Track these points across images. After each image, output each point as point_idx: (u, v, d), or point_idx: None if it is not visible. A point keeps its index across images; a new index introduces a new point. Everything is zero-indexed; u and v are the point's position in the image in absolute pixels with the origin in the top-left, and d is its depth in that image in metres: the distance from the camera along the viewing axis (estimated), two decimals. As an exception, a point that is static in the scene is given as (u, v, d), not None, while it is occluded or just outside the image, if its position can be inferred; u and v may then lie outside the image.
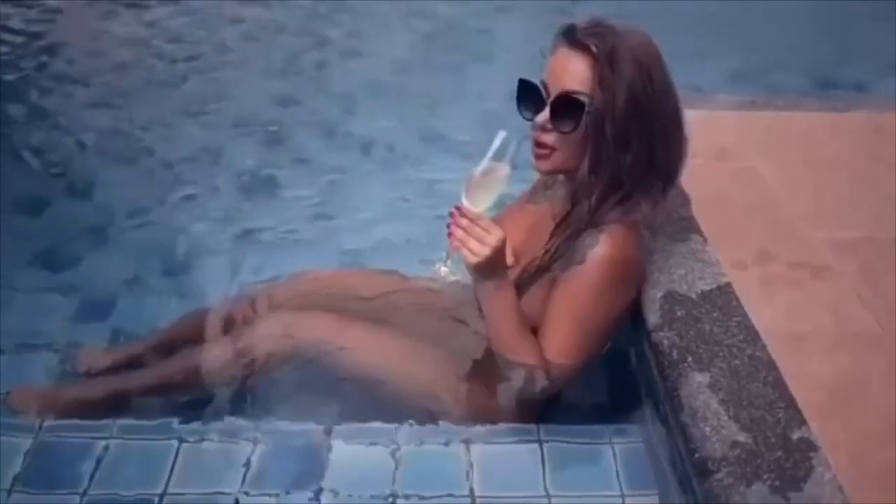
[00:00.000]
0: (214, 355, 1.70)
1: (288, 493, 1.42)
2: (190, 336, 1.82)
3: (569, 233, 1.53)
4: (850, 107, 2.48)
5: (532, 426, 1.56)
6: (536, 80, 1.50)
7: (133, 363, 1.84)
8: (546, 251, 1.55)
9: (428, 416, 1.61)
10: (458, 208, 1.44)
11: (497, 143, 1.44)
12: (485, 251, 1.42)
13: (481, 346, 1.67)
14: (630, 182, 1.48)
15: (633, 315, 1.56)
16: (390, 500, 1.40)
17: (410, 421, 1.59)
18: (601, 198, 1.49)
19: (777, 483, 1.15)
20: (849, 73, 3.82)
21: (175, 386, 1.71)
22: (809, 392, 1.31)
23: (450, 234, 1.44)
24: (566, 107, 1.45)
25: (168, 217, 2.57)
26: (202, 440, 1.51)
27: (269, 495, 1.41)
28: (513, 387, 1.55)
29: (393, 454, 1.49)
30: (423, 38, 4.23)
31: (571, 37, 1.46)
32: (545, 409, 1.62)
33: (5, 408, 1.69)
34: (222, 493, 1.41)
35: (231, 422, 1.58)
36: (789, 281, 1.62)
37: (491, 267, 1.45)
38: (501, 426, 1.56)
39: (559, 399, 1.62)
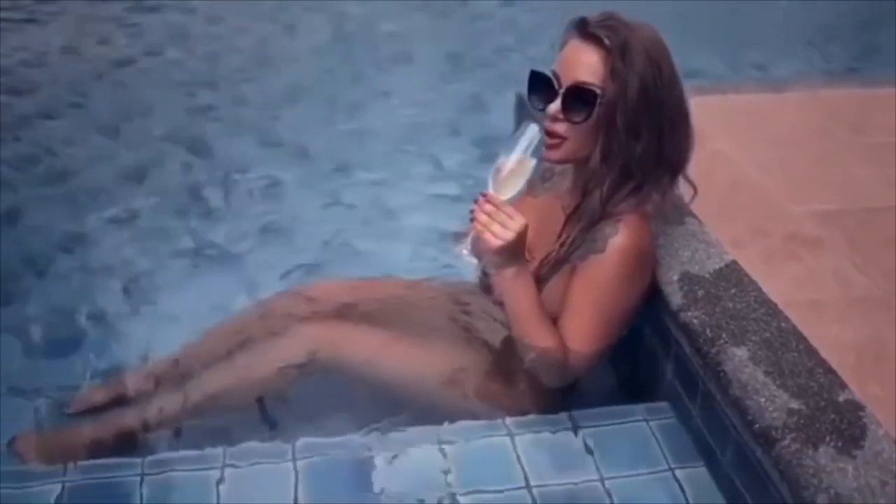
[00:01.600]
0: (234, 377, 1.67)
1: None
2: (199, 360, 1.77)
3: (583, 223, 1.57)
4: (783, 87, 2.64)
5: (564, 414, 1.60)
6: (548, 71, 1.55)
7: (135, 396, 1.78)
8: (562, 243, 1.59)
9: (453, 414, 1.63)
10: (484, 195, 1.47)
11: (527, 135, 1.48)
12: (508, 235, 1.44)
13: (500, 341, 1.71)
14: (640, 172, 1.54)
15: (650, 299, 1.62)
16: (450, 499, 1.41)
17: (447, 420, 1.60)
18: (613, 188, 1.54)
19: (839, 444, 1.22)
20: (751, 56, 4.08)
21: (195, 413, 1.66)
22: (839, 356, 1.40)
23: (473, 219, 1.47)
24: (578, 97, 1.50)
25: (107, 240, 2.48)
26: (243, 465, 1.47)
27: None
28: (535, 377, 1.58)
29: (441, 453, 1.50)
30: (336, 39, 4.24)
31: (584, 29, 1.51)
32: (564, 397, 1.67)
33: (9, 457, 1.61)
34: (279, 516, 1.39)
35: (267, 443, 1.54)
36: (787, 254, 1.72)
37: (512, 252, 1.48)
38: (537, 416, 1.58)
39: (576, 386, 1.67)
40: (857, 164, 2.10)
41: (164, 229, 2.53)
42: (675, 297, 1.57)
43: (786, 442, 1.24)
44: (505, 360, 1.66)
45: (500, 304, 1.70)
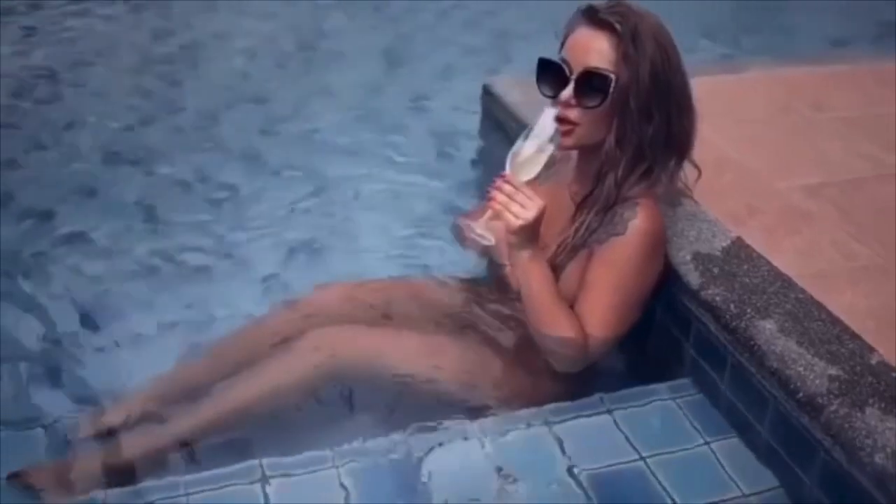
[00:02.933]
0: (251, 391, 1.63)
1: None
2: (207, 377, 1.73)
3: (597, 208, 1.60)
4: (741, 69, 2.73)
5: (596, 397, 1.63)
6: (556, 58, 1.58)
7: (142, 418, 1.72)
8: (576, 228, 1.62)
9: (476, 409, 1.64)
10: (502, 176, 1.50)
11: (546, 120, 1.52)
12: (528, 215, 1.47)
13: (514, 334, 1.72)
14: (652, 154, 1.58)
15: (663, 281, 1.66)
16: (500, 492, 1.42)
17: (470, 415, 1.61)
18: (627, 171, 1.58)
19: (882, 405, 1.29)
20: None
21: (216, 429, 1.62)
22: (859, 322, 1.47)
23: (490, 199, 1.49)
24: (591, 83, 1.53)
25: (61, 262, 2.37)
26: (286, 475, 1.44)
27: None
28: (552, 365, 1.61)
29: (482, 446, 1.50)
30: (267, 41, 4.17)
31: (593, 16, 1.54)
32: (583, 384, 1.70)
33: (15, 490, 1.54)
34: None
35: (305, 453, 1.51)
36: (786, 229, 1.79)
37: (529, 234, 1.51)
38: (571, 403, 1.60)
39: (592, 370, 1.70)
40: (826, 138, 2.19)
41: (119, 248, 2.42)
42: (693, 277, 1.62)
43: (833, 407, 1.29)
44: (521, 351, 1.68)
45: (511, 297, 1.73)
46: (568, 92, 1.54)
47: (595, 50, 1.53)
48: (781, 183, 1.97)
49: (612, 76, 1.51)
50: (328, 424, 1.66)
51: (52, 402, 1.82)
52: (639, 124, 1.55)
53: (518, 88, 2.48)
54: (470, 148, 3.06)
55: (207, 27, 4.29)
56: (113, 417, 1.71)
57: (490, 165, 2.63)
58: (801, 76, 2.60)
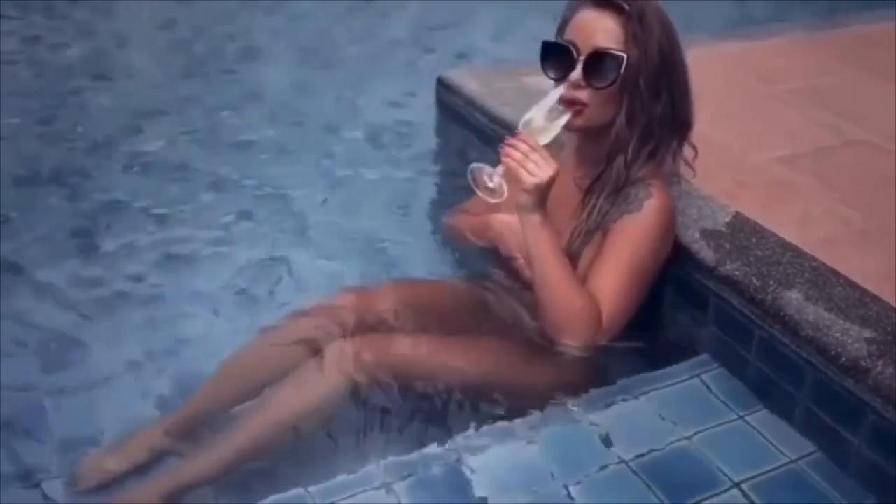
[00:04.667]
0: (287, 407, 1.56)
1: None
2: (226, 397, 1.65)
3: (608, 190, 1.61)
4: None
5: (623, 383, 1.63)
6: (561, 41, 1.58)
7: (157, 457, 1.62)
8: (589, 212, 1.63)
9: (509, 406, 1.63)
10: (517, 135, 1.50)
11: (553, 100, 1.54)
12: (543, 174, 1.48)
13: (532, 326, 1.71)
14: (659, 133, 1.61)
15: (670, 260, 1.68)
16: (560, 489, 1.40)
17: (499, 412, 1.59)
18: (635, 152, 1.60)
19: (922, 362, 1.35)
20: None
21: (245, 459, 1.54)
22: (875, 285, 1.53)
23: (505, 155, 1.49)
24: (600, 63, 1.54)
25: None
26: (340, 499, 1.38)
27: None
28: (568, 341, 1.58)
29: (527, 446, 1.48)
30: (174, 48, 4.01)
31: None
32: (601, 368, 1.70)
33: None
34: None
35: (352, 474, 1.44)
36: (776, 200, 1.84)
37: (540, 196, 1.51)
38: (600, 390, 1.60)
39: (607, 351, 1.70)
40: (782, 111, 2.28)
41: (57, 280, 2.23)
42: (707, 254, 1.65)
43: (878, 369, 1.34)
44: (540, 343, 1.67)
45: (519, 290, 1.72)
46: (577, 73, 1.54)
47: (603, 30, 1.54)
48: (757, 156, 2.03)
49: (624, 55, 1.52)
50: (360, 440, 1.61)
51: (32, 456, 1.69)
52: (648, 103, 1.57)
53: (476, 80, 2.48)
54: (419, 142, 3.04)
55: (106, 35, 4.10)
56: (119, 462, 1.60)
57: (451, 157, 2.62)
58: (739, 52, 2.68)
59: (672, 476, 1.41)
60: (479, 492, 1.39)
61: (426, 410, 1.62)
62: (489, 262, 1.84)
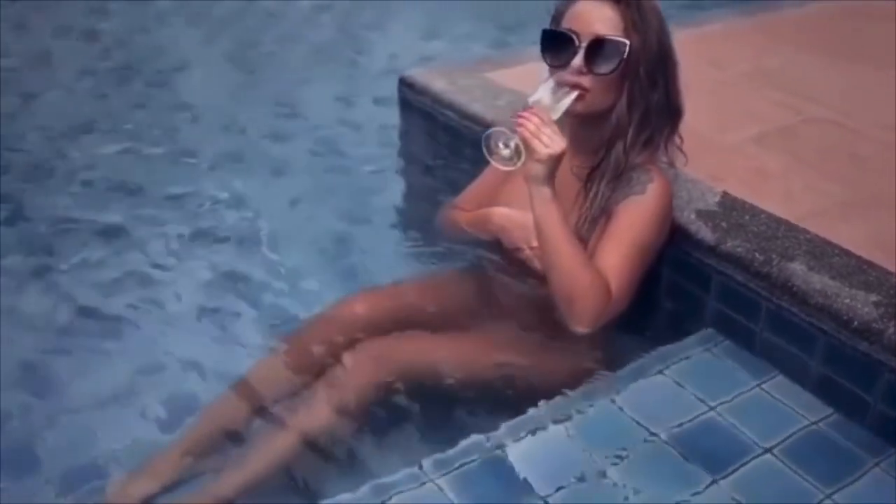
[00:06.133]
0: (316, 415, 1.55)
1: None
2: (247, 409, 1.63)
3: (608, 177, 1.66)
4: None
5: (637, 362, 1.69)
6: (562, 29, 1.63)
7: (185, 476, 1.59)
8: (592, 199, 1.68)
9: (533, 394, 1.65)
10: (529, 109, 1.54)
11: (549, 89, 1.60)
12: (556, 147, 1.52)
13: (543, 314, 1.74)
14: (656, 120, 1.67)
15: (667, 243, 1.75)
16: (601, 470, 1.44)
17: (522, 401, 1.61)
18: (634, 138, 1.66)
19: (930, 318, 1.45)
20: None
21: (279, 470, 1.53)
22: (867, 252, 1.63)
23: (518, 125, 1.52)
24: (602, 49, 1.59)
25: None
26: (389, 499, 1.39)
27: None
28: (577, 318, 1.60)
29: (562, 429, 1.51)
30: (99, 59, 3.88)
31: None
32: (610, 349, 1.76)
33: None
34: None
35: (396, 474, 1.45)
36: (757, 178, 1.93)
37: (552, 168, 1.55)
38: (624, 370, 1.65)
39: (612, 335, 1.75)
40: (739, 93, 2.39)
41: (15, 306, 2.15)
42: (706, 233, 1.72)
43: (891, 329, 1.44)
44: (553, 329, 1.70)
45: (526, 278, 1.76)
46: (579, 59, 1.59)
47: (603, 19, 1.59)
48: (728, 137, 2.13)
49: (627, 42, 1.58)
50: (392, 441, 1.62)
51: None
52: (647, 90, 1.63)
53: (442, 78, 2.50)
54: (369, 142, 3.05)
55: (27, 52, 3.93)
56: (147, 485, 1.57)
57: (417, 155, 2.63)
58: (685, 38, 2.74)
59: (705, 447, 1.47)
60: (528, 479, 1.42)
61: (451, 407, 1.64)
62: (488, 255, 1.86)
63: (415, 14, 4.48)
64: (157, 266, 2.39)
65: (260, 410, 1.63)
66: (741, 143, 2.09)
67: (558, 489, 1.39)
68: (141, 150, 3.05)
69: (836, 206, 1.82)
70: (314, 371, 1.63)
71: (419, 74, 2.55)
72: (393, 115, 2.70)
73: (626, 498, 1.38)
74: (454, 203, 1.98)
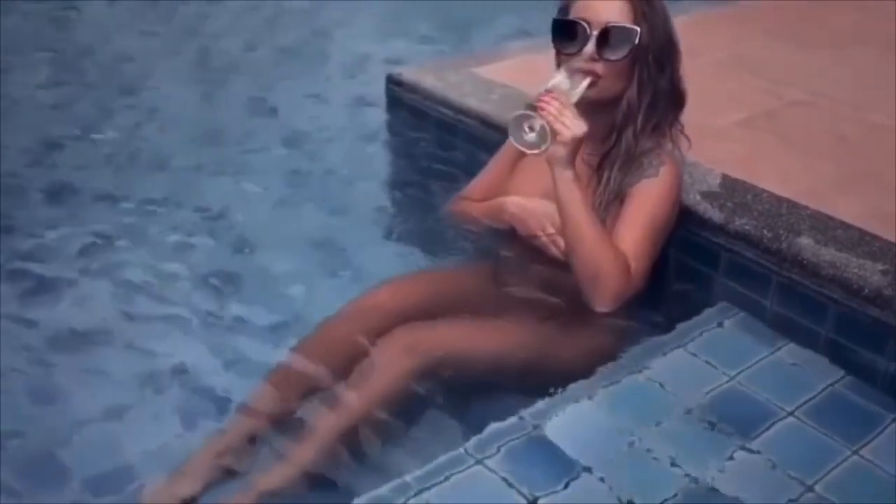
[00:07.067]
0: (354, 406, 1.59)
1: (566, 485, 1.41)
2: (281, 405, 1.66)
3: (620, 162, 1.73)
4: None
5: (655, 339, 1.76)
6: (573, 18, 1.69)
7: (225, 475, 1.61)
8: (605, 184, 1.74)
9: (563, 375, 1.71)
10: (549, 93, 1.59)
11: (563, 76, 1.66)
12: (578, 129, 1.58)
13: (564, 297, 1.79)
14: (663, 106, 1.75)
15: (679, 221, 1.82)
16: (637, 439, 1.51)
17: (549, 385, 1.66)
18: (644, 122, 1.73)
19: (936, 282, 1.56)
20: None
21: (322, 461, 1.55)
22: (866, 224, 1.74)
23: (541, 109, 1.56)
24: (613, 37, 1.66)
25: None
26: (437, 483, 1.42)
27: (556, 492, 1.41)
28: (599, 298, 1.66)
29: (595, 405, 1.57)
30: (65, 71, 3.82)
31: None
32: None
33: None
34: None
35: (443, 456, 1.49)
36: (752, 160, 2.03)
37: (574, 150, 1.61)
38: (645, 346, 1.72)
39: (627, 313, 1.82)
40: (719, 80, 2.49)
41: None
42: (714, 213, 1.81)
43: (900, 294, 1.54)
44: (575, 312, 1.76)
45: (541, 264, 1.81)
46: (591, 47, 1.65)
47: (613, 8, 1.67)
48: (718, 121, 2.22)
49: (638, 29, 1.65)
50: (429, 427, 1.66)
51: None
52: (655, 77, 1.71)
53: (431, 75, 2.55)
54: (347, 141, 3.07)
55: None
56: (191, 485, 1.57)
57: (408, 152, 2.67)
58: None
59: (733, 413, 1.54)
60: (569, 453, 1.47)
61: (480, 392, 1.69)
62: (501, 244, 1.91)
63: (372, 14, 4.51)
64: (148, 272, 2.38)
65: (294, 405, 1.64)
66: (730, 128, 2.19)
67: (601, 459, 1.45)
68: (119, 160, 3.02)
69: (829, 184, 1.92)
70: (345, 364, 1.65)
71: (407, 72, 2.60)
72: (370, 113, 2.74)
73: (667, 461, 1.44)
74: (462, 194, 2.02)
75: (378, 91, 2.84)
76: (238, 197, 2.75)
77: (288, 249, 2.48)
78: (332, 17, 4.53)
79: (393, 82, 2.60)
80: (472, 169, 2.15)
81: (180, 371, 1.97)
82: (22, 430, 1.78)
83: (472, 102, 2.36)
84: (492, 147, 2.08)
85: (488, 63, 2.62)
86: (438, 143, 2.50)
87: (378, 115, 2.81)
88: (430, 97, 2.46)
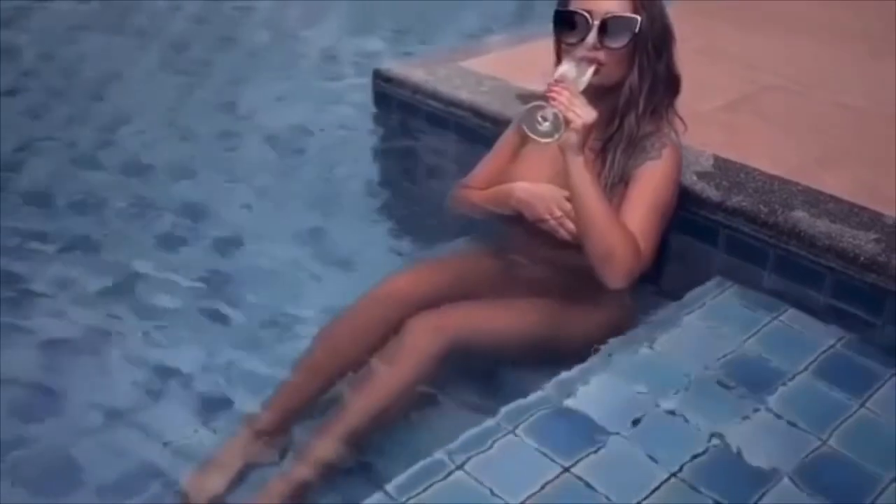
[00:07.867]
0: (385, 385, 1.64)
1: (597, 450, 1.48)
2: (309, 393, 1.71)
3: (623, 145, 1.81)
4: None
5: (660, 314, 1.85)
6: (574, 8, 1.76)
7: (255, 464, 1.67)
8: (609, 167, 1.82)
9: (570, 350, 1.78)
10: (558, 82, 1.65)
11: (570, 65, 1.72)
12: (590, 116, 1.63)
13: (575, 277, 1.86)
14: (661, 91, 1.83)
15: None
16: (655, 405, 1.59)
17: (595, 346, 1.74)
18: (645, 107, 1.82)
19: (923, 250, 1.68)
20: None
21: (354, 445, 1.61)
22: (853, 197, 1.85)
23: (552, 98, 1.61)
24: (614, 26, 1.73)
25: None
26: (474, 455, 1.48)
27: (589, 455, 1.48)
28: (611, 277, 1.71)
29: (619, 376, 1.65)
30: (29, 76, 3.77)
31: None
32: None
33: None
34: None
35: (473, 428, 1.55)
36: (740, 142, 2.13)
37: (584, 138, 1.67)
38: (655, 318, 1.81)
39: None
40: (698, 67, 2.52)
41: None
42: (712, 192, 1.91)
43: (895, 261, 1.65)
44: (587, 290, 1.82)
45: (549, 249, 1.89)
46: (592, 36, 1.73)
47: None
48: (700, 107, 2.31)
49: (638, 18, 1.73)
50: (455, 404, 1.72)
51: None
52: (654, 63, 1.79)
53: (419, 69, 2.60)
54: (325, 137, 3.11)
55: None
56: (224, 474, 1.64)
57: (396, 146, 2.72)
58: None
59: (745, 376, 1.64)
60: (597, 420, 1.55)
61: (505, 369, 1.76)
62: (509, 229, 1.98)
63: (340, 12, 4.53)
64: (137, 276, 2.41)
65: (322, 393, 1.70)
66: (713, 112, 2.30)
67: (627, 424, 1.54)
68: (94, 163, 3.02)
69: (815, 161, 2.04)
70: (369, 350, 1.71)
71: (395, 67, 2.64)
72: (348, 109, 2.79)
73: (692, 422, 1.53)
74: (464, 183, 2.08)
75: (360, 86, 2.89)
76: (225, 195, 2.79)
77: (281, 244, 2.53)
78: (298, 13, 4.53)
79: (380, 77, 2.65)
80: (464, 160, 2.21)
81: (175, 373, 2.01)
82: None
83: (464, 95, 2.42)
84: (484, 138, 2.15)
85: (473, 57, 2.69)
86: (428, 135, 2.56)
87: (365, 111, 2.84)
88: (420, 91, 2.51)
